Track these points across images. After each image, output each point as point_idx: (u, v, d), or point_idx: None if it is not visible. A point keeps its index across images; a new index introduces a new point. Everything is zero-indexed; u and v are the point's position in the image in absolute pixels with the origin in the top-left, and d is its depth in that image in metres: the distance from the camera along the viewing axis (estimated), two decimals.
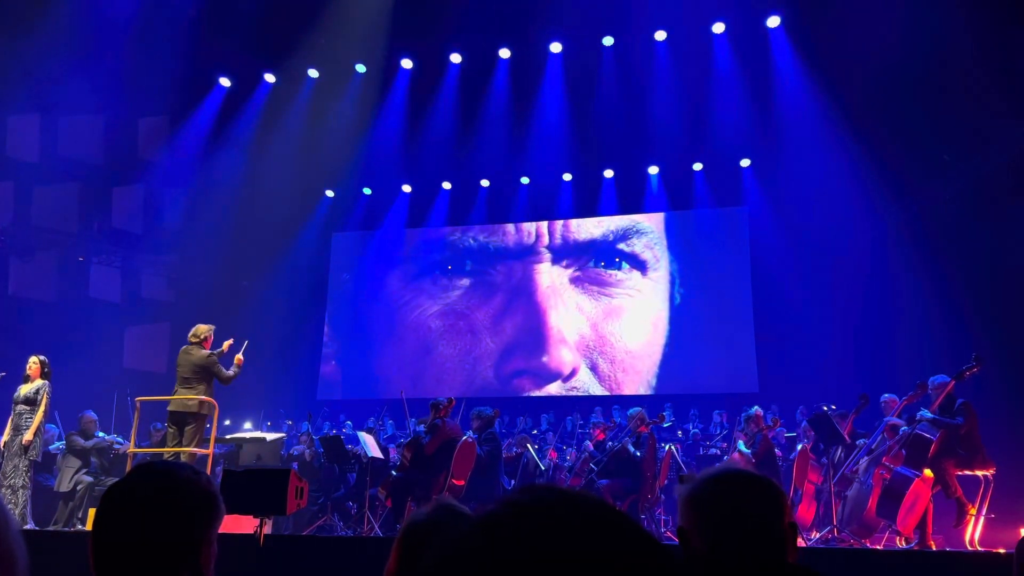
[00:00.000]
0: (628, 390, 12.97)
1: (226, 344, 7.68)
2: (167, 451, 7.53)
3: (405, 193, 14.89)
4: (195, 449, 7.24)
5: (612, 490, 7.53)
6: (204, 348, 7.54)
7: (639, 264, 13.56)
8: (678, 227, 13.59)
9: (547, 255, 14.12)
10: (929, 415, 6.57)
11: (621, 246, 13.73)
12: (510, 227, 14.37)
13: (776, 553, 1.47)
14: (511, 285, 14.13)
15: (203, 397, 7.33)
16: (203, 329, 7.61)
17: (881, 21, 9.47)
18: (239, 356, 7.61)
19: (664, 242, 13.57)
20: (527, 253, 14.20)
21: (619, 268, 13.65)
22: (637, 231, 13.71)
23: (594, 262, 13.81)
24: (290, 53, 12.28)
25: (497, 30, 11.74)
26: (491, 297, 14.18)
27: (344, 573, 5.34)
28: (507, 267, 14.24)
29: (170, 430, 7.50)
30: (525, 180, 14.25)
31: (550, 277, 13.98)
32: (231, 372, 7.51)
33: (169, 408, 7.46)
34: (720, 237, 13.35)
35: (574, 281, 13.83)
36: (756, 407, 8.17)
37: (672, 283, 13.37)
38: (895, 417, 7.05)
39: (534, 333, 13.77)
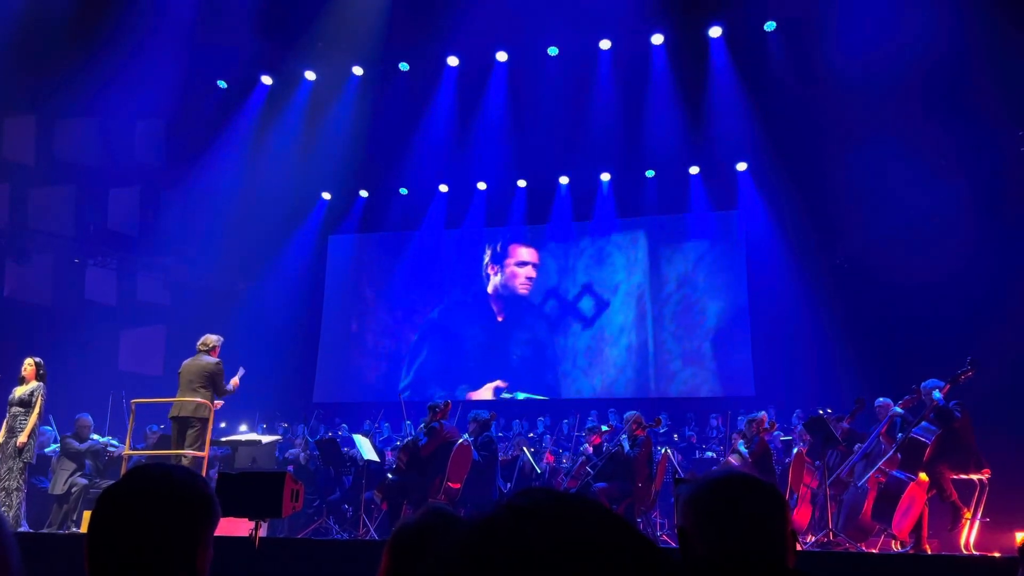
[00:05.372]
0: (625, 393, 12.96)
1: (234, 381, 7.92)
2: (167, 453, 7.68)
3: (402, 196, 14.88)
4: (193, 452, 7.25)
5: (608, 493, 7.52)
6: (212, 356, 7.73)
7: (637, 268, 13.57)
8: (675, 230, 13.60)
9: (543, 259, 14.12)
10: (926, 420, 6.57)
11: (620, 248, 13.74)
12: (506, 230, 14.37)
13: (776, 557, 1.47)
14: (508, 287, 14.13)
15: (204, 400, 7.41)
16: (212, 339, 7.85)
17: (878, 25, 9.51)
18: (236, 380, 7.89)
19: (662, 246, 13.57)
20: (524, 256, 14.20)
21: (616, 272, 13.65)
22: (635, 234, 13.72)
23: (592, 265, 13.82)
24: (287, 55, 12.30)
25: (494, 34, 11.76)
26: (488, 299, 14.18)
27: None
28: (505, 269, 14.24)
29: (174, 434, 7.61)
30: (522, 183, 14.27)
31: (547, 280, 13.99)
32: (229, 387, 7.76)
33: (172, 415, 7.55)
34: (716, 241, 13.36)
35: (572, 283, 13.84)
36: (762, 412, 8.17)
37: (669, 287, 13.36)
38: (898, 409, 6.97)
39: (533, 335, 13.77)
